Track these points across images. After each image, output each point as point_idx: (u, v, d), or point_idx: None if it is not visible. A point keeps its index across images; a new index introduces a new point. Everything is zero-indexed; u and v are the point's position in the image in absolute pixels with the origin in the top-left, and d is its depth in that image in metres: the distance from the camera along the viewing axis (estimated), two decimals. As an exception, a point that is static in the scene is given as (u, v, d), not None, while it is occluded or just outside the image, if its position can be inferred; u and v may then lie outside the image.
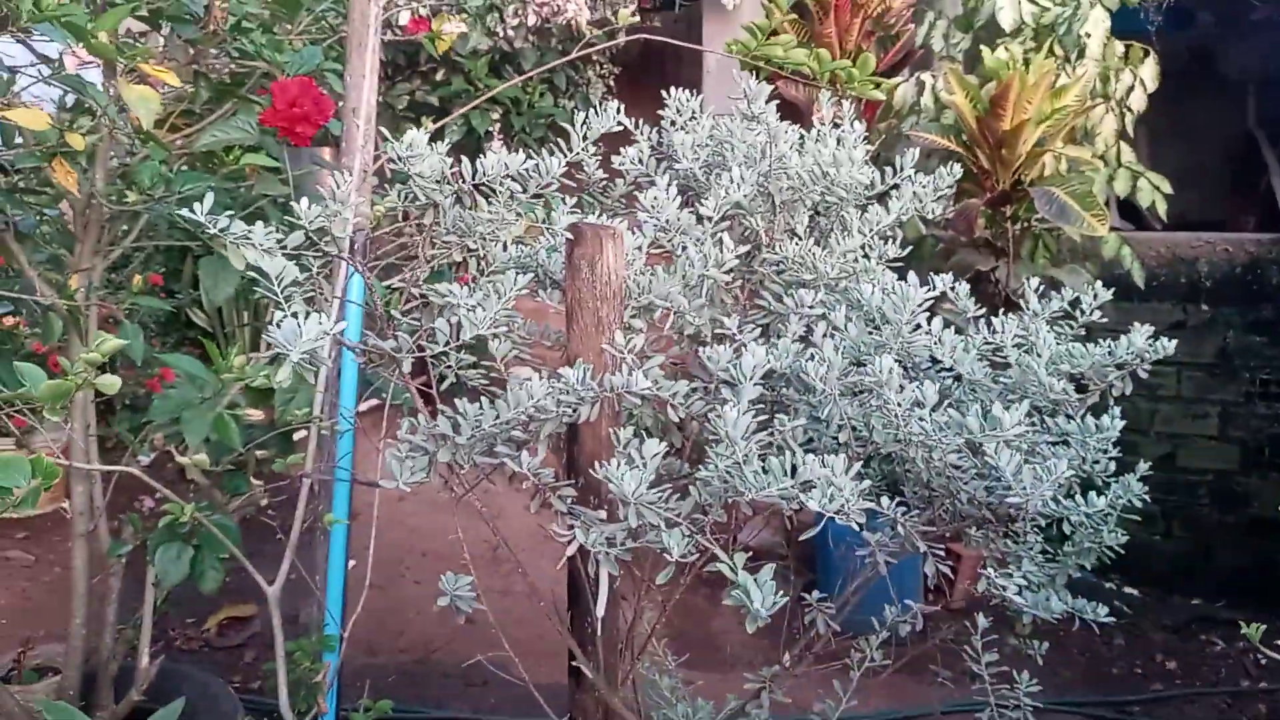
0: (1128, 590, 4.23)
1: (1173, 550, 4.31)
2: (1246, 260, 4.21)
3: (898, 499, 1.32)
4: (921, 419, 1.19)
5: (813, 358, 1.19)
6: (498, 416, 1.18)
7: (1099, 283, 1.74)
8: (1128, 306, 4.34)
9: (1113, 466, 1.65)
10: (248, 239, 1.31)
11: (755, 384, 1.15)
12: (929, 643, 3.88)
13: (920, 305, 1.31)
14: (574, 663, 1.45)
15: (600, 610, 1.37)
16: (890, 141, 4.27)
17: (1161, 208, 3.95)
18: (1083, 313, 1.69)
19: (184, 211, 1.38)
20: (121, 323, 2.54)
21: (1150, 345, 1.46)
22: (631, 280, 1.34)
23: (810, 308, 1.31)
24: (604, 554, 1.13)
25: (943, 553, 1.47)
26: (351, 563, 4.84)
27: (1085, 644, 3.84)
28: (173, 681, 2.95)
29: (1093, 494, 1.31)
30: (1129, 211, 4.75)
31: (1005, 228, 3.69)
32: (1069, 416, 1.43)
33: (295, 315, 1.15)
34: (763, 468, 1.03)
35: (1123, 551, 4.54)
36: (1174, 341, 1.48)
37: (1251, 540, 4.21)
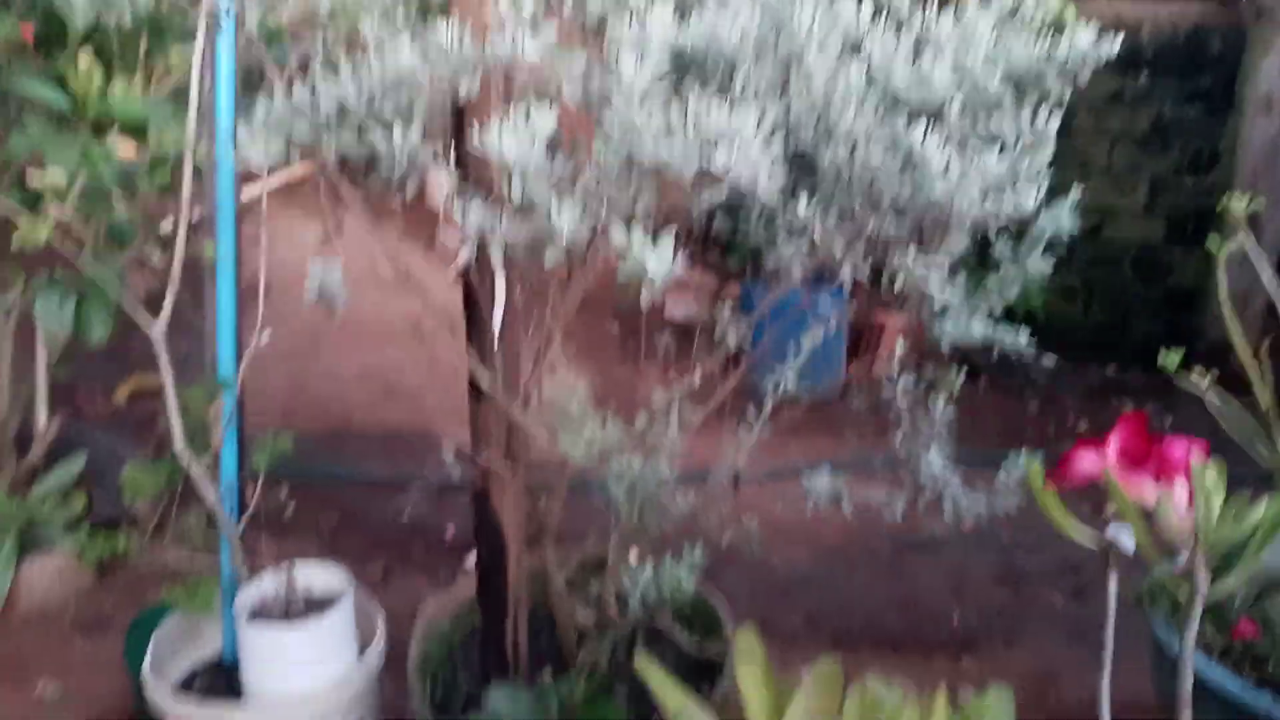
0: (1046, 361, 4.31)
1: (1093, 322, 4.37)
2: (1189, 28, 4.07)
3: (816, 199, 1.22)
4: (845, 97, 1.07)
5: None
6: (361, 87, 1.04)
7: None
8: (1068, 73, 4.21)
9: (1045, 186, 1.57)
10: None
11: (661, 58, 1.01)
12: (846, 402, 3.91)
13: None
14: (473, 379, 1.37)
15: (497, 320, 1.28)
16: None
17: (1111, -36, 3.76)
18: (1078, 40, 1.54)
19: None
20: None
21: (1093, 47, 1.34)
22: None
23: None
24: (492, 238, 1.02)
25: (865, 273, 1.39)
26: (266, 331, 4.69)
27: (1001, 409, 3.94)
28: (78, 445, 2.87)
29: (1019, 190, 1.23)
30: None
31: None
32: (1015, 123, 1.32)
33: None
34: (665, 127, 0.91)
35: (1044, 321, 4.58)
36: (1119, 39, 1.36)
37: (1167, 310, 4.28)
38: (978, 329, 1.54)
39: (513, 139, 0.88)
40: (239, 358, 1.98)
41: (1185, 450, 0.81)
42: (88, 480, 2.78)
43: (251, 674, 1.84)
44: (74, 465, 2.64)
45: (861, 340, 4.15)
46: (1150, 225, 4.22)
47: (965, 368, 4.18)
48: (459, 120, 1.23)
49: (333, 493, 3.28)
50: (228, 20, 1.82)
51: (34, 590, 2.54)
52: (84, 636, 2.52)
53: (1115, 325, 4.32)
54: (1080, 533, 0.85)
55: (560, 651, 1.77)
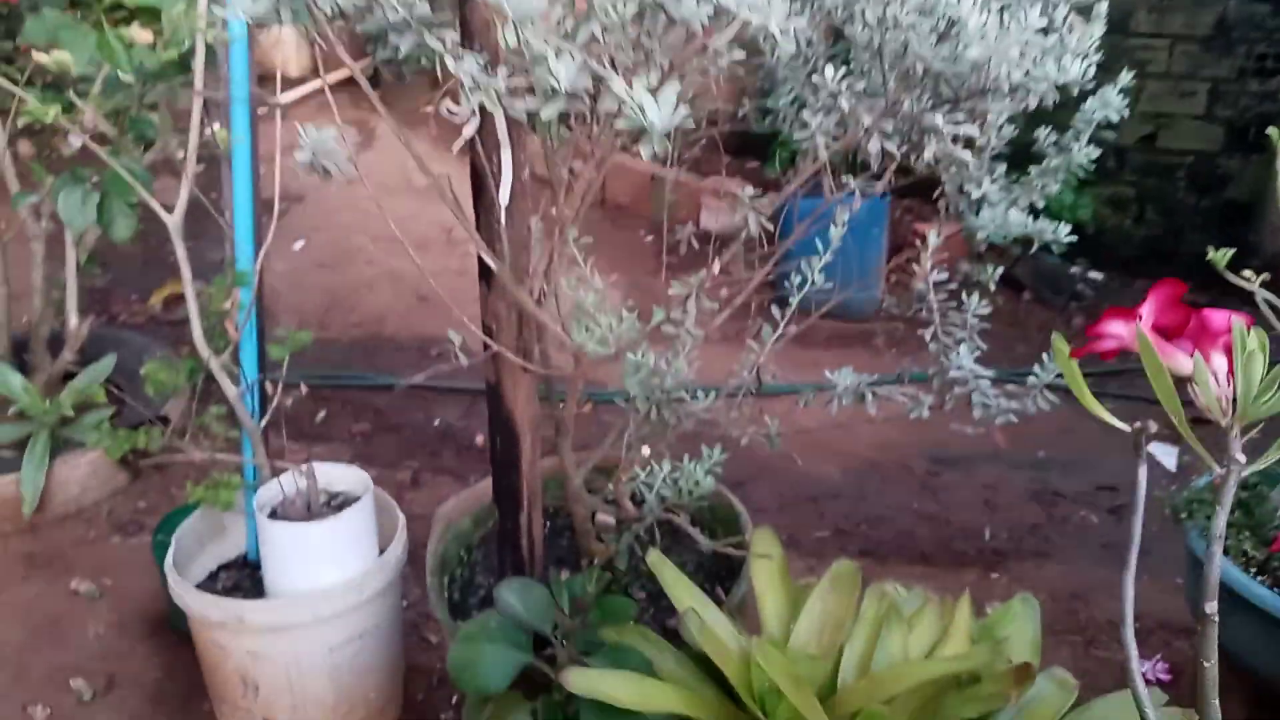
0: (1093, 274, 4.17)
1: (1144, 235, 4.22)
2: (1263, -81, 3.83)
3: (845, 71, 1.14)
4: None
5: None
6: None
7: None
8: (1126, -29, 4.00)
9: (1091, 71, 1.47)
10: None
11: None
12: (882, 316, 3.82)
13: None
14: (482, 265, 1.32)
15: (503, 197, 1.22)
16: None
17: None
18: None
19: None
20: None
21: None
22: None
23: None
24: (494, 103, 0.96)
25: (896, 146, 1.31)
26: (300, 242, 4.68)
27: (1044, 323, 3.83)
28: (110, 345, 2.88)
29: (1063, 64, 1.13)
30: None
31: None
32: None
33: None
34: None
35: (1093, 234, 4.42)
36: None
37: (1223, 224, 4.11)
38: (1015, 221, 1.45)
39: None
40: (257, 254, 1.95)
41: (1226, 319, 0.74)
42: (121, 383, 2.80)
43: (271, 571, 1.84)
44: (104, 366, 2.65)
45: (900, 252, 4.04)
46: (1208, 133, 4.03)
47: (1005, 281, 4.06)
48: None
49: (367, 399, 3.28)
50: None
51: (69, 489, 2.58)
52: (119, 535, 2.56)
53: (1167, 238, 4.17)
54: (1105, 413, 0.78)
55: (579, 552, 1.75)
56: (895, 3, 1.05)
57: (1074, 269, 4.14)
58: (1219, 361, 0.74)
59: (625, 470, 1.54)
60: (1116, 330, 0.77)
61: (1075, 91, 1.52)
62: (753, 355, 1.69)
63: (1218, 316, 0.75)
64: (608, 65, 0.89)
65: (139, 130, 2.42)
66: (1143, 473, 0.83)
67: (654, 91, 0.82)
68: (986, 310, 1.66)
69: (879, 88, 1.15)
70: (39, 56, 1.81)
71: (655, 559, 1.37)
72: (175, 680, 2.12)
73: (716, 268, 1.29)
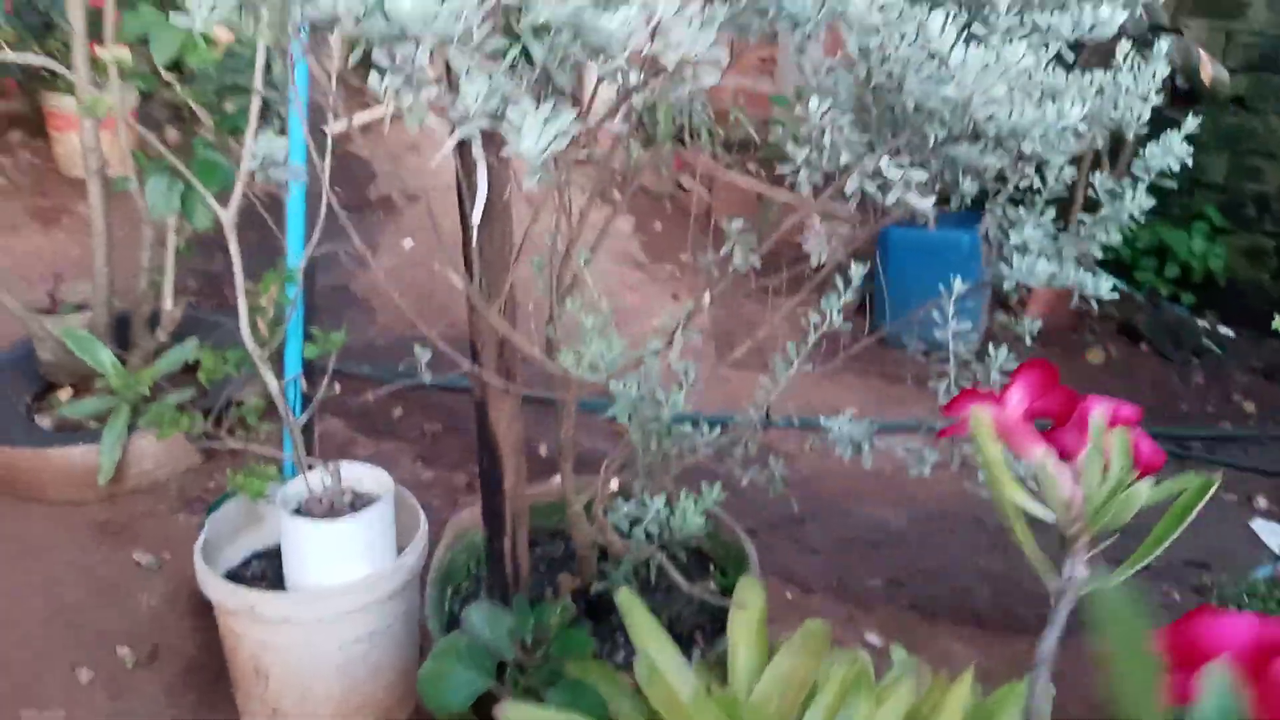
0: (1222, 330, 3.87)
1: (1280, 290, 3.90)
2: None
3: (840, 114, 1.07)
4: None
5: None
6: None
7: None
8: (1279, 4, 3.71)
9: (1147, 114, 1.35)
10: None
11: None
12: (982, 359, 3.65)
13: None
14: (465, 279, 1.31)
15: (476, 217, 1.20)
16: None
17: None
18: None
19: None
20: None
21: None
22: None
23: None
24: (414, 117, 0.94)
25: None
26: (409, 241, 4.80)
27: (1159, 378, 3.58)
28: (204, 328, 3.01)
29: (1068, 104, 1.03)
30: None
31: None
32: (1074, 20, 1.12)
33: None
34: None
35: (1224, 286, 4.13)
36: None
37: (1374, 284, 3.76)
38: (1042, 269, 1.34)
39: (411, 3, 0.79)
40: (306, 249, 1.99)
41: (1108, 410, 0.65)
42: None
43: (290, 565, 1.88)
44: (185, 350, 2.77)
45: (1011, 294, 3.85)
46: (1365, 183, 3.70)
47: (1123, 330, 3.83)
48: None
49: (442, 400, 3.33)
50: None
51: (143, 463, 2.70)
52: (185, 511, 2.67)
53: (1310, 296, 3.84)
54: (1027, 500, 0.69)
55: (583, 577, 1.72)
56: (880, 34, 0.98)
57: (1201, 323, 3.85)
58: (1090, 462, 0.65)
59: (600, 503, 1.50)
60: (983, 409, 0.69)
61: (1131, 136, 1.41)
62: (779, 386, 1.63)
63: (1100, 404, 0.66)
64: (525, 87, 0.86)
65: (232, 122, 2.53)
66: (1072, 583, 0.73)
67: (546, 119, 0.79)
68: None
69: (869, 124, 1.08)
70: (99, 52, 1.90)
71: (625, 599, 1.33)
72: (211, 657, 2.19)
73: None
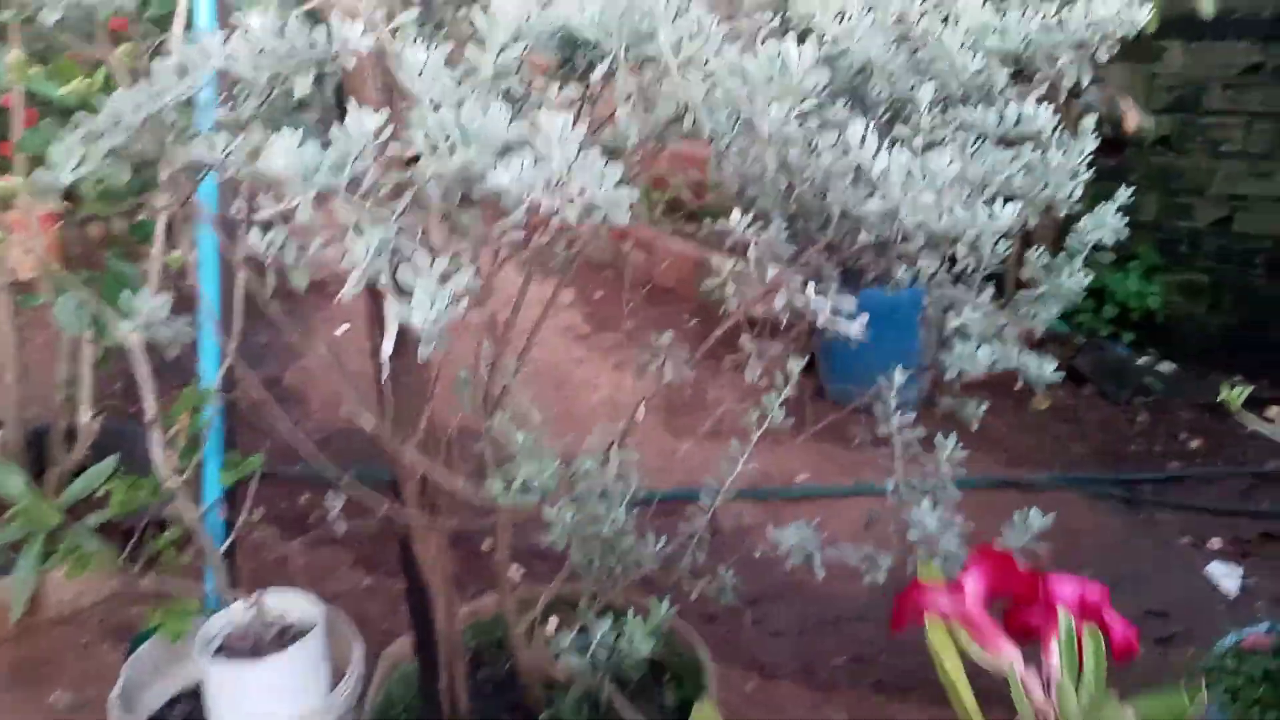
0: (1163, 367, 3.89)
1: (1220, 325, 3.93)
2: (1344, -11, 3.58)
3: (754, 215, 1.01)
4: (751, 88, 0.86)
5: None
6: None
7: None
8: (1195, 46, 3.78)
9: (1079, 192, 1.31)
10: None
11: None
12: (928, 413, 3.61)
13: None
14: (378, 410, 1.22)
15: (387, 349, 1.11)
16: None
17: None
18: (1095, 9, 1.27)
19: None
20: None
21: (1121, 12, 1.07)
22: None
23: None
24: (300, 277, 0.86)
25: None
26: (345, 326, 4.68)
27: (1105, 420, 3.56)
28: (125, 439, 2.87)
29: (999, 205, 0.98)
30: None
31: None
32: (1000, 114, 1.08)
33: None
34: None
35: (1163, 323, 4.14)
36: (1148, 9, 1.08)
37: (1308, 313, 3.80)
38: (984, 356, 1.29)
39: (285, 155, 0.72)
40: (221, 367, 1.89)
41: (1074, 594, 0.58)
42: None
43: (214, 711, 1.74)
44: (103, 468, 2.62)
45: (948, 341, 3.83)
46: (1289, 217, 3.76)
47: (1066, 372, 3.80)
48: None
49: (381, 495, 3.20)
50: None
51: (63, 592, 2.54)
52: (110, 641, 2.51)
53: (1246, 329, 3.87)
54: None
55: (532, 702, 1.62)
56: (799, 146, 0.92)
57: (1141, 361, 3.86)
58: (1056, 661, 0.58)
59: (530, 630, 1.40)
60: (939, 605, 0.62)
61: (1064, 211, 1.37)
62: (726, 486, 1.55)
63: (1065, 587, 0.59)
64: (419, 240, 0.78)
65: (144, 230, 2.42)
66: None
67: (445, 277, 0.71)
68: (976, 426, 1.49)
69: (796, 232, 1.02)
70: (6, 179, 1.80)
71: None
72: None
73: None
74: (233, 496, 2.01)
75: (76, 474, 2.72)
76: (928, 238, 0.97)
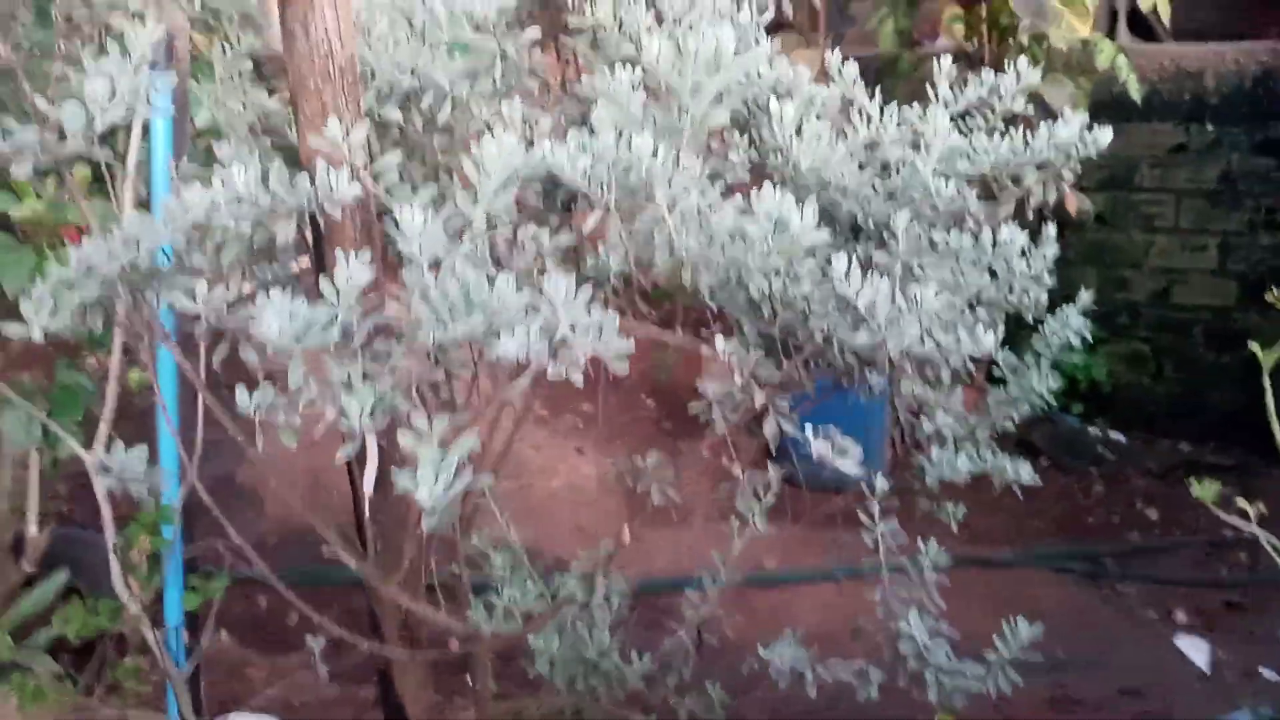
0: (1114, 435, 3.97)
1: (1163, 392, 4.04)
2: (1258, 72, 3.77)
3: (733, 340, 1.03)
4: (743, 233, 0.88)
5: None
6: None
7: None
8: (1125, 127, 3.94)
9: (1044, 298, 1.35)
10: None
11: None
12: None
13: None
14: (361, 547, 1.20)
15: (368, 485, 1.10)
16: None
17: (1164, 11, 3.49)
18: (1057, 132, 1.30)
19: None
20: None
21: (1080, 137, 1.12)
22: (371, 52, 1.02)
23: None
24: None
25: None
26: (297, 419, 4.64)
27: (1062, 492, 3.62)
28: (77, 548, 2.77)
29: (980, 331, 1.01)
30: (1140, 26, 4.27)
31: (982, 32, 3.27)
32: (975, 236, 1.11)
33: None
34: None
35: (1109, 393, 4.24)
36: (1108, 132, 1.13)
37: (1245, 381, 3.91)
38: (962, 464, 1.31)
39: (276, 319, 0.71)
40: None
41: None
42: (84, 591, 2.68)
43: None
44: (55, 581, 2.53)
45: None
46: (1222, 288, 3.89)
47: (1021, 447, 3.85)
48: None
49: (340, 596, 3.13)
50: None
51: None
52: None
53: (1189, 395, 3.98)
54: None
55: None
56: (781, 276, 0.93)
57: (1093, 430, 3.94)
58: None
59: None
60: None
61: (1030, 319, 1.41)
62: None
63: None
64: (416, 398, 0.78)
65: (100, 341, 2.37)
66: None
67: (445, 443, 0.70)
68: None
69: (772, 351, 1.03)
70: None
71: None
72: None
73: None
74: (194, 616, 1.95)
75: (26, 583, 2.63)
76: (913, 362, 0.99)
